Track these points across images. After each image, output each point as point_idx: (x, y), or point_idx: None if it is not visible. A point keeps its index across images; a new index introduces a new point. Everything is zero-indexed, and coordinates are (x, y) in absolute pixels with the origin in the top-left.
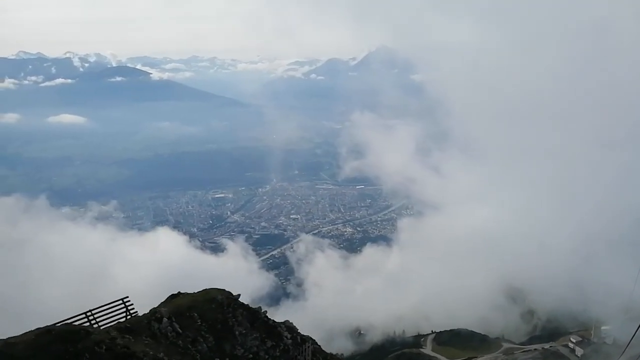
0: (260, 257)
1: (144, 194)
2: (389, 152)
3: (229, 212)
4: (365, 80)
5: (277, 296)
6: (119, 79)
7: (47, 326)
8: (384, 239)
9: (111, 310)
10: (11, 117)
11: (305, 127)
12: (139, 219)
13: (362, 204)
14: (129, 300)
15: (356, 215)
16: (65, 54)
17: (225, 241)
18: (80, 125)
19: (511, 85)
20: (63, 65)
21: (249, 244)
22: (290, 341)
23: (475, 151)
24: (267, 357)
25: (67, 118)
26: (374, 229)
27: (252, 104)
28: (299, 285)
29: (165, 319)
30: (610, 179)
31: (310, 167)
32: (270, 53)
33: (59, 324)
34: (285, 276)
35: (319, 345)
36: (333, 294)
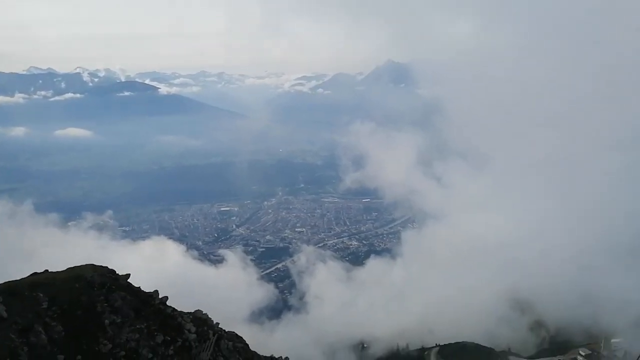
0: (264, 270)
1: (149, 207)
2: (393, 164)
3: (234, 226)
4: (371, 94)
5: (278, 309)
6: (127, 93)
7: None
8: (388, 252)
9: None
10: (19, 131)
11: (310, 140)
12: (144, 232)
13: (368, 217)
14: None
15: (362, 228)
16: (75, 69)
17: (225, 252)
18: (87, 139)
19: (513, 91)
20: (73, 80)
21: (254, 257)
22: (194, 335)
23: (477, 160)
24: (151, 355)
25: (74, 132)
26: (379, 242)
27: (258, 118)
28: (301, 298)
29: None
30: (619, 183)
31: (316, 180)
32: (277, 68)
33: None
34: (289, 289)
35: (244, 344)
36: (336, 306)
